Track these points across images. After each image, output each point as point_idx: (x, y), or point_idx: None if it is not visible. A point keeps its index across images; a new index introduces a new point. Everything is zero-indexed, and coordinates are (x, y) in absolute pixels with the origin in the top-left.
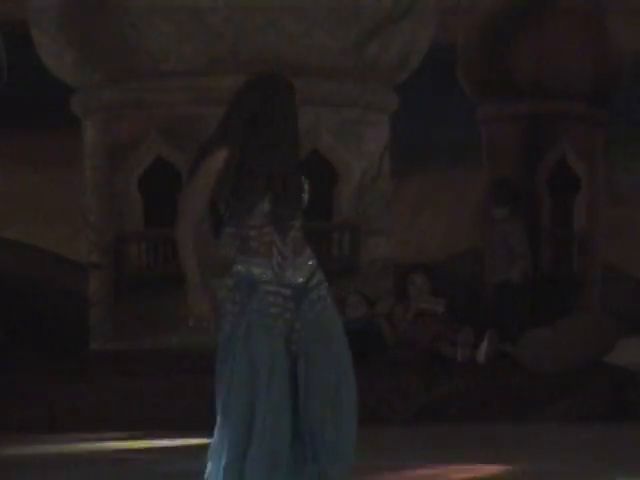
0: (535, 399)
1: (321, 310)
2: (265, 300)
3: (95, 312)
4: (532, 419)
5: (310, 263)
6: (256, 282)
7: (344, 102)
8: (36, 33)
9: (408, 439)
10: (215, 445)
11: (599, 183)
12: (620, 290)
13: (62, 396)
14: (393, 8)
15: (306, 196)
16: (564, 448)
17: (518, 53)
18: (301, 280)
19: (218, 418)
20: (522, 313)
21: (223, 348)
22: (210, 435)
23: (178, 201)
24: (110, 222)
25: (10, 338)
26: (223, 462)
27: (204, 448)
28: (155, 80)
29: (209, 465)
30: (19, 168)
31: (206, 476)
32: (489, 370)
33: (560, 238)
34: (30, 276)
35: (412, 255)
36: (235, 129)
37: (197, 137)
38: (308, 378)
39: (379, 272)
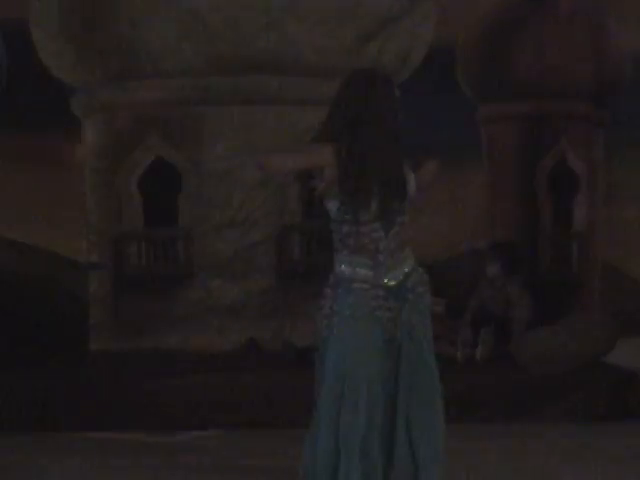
0: (535, 399)
1: (414, 312)
2: (363, 296)
3: (95, 312)
4: (532, 419)
5: (405, 269)
6: (352, 281)
7: None
8: (36, 33)
9: None
10: (309, 440)
11: (599, 183)
12: (620, 290)
13: (62, 396)
14: (393, 8)
15: (412, 190)
16: (564, 448)
17: (518, 53)
18: (393, 283)
19: (314, 415)
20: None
21: (320, 348)
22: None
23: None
24: (110, 222)
25: (10, 338)
26: (318, 459)
27: (203, 447)
28: (155, 80)
29: (304, 457)
30: (19, 168)
31: (301, 470)
32: (489, 370)
33: (560, 238)
34: (30, 276)
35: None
36: (339, 129)
37: (197, 137)
38: (406, 376)
39: None
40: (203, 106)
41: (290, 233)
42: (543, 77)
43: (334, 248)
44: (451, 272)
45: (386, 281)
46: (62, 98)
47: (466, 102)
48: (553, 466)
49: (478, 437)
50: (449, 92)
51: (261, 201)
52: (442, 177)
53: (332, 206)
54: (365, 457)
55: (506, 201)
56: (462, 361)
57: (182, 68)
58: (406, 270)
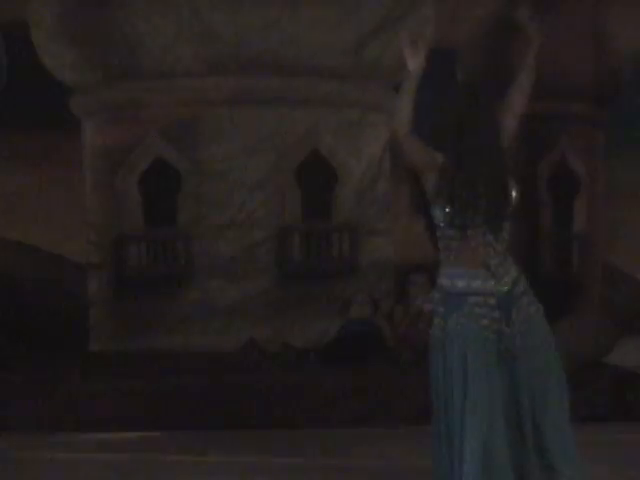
0: None
1: (529, 318)
2: (473, 313)
3: (95, 312)
4: None
5: (513, 273)
6: (462, 295)
7: (344, 102)
8: (36, 33)
9: (408, 439)
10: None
11: (599, 183)
12: (620, 290)
13: (62, 396)
14: (393, 9)
15: (515, 196)
16: None
17: (518, 53)
18: (506, 289)
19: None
20: None
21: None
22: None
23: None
24: (110, 222)
25: (10, 338)
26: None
27: (201, 446)
28: (155, 80)
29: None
30: (19, 168)
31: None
32: None
33: (560, 238)
34: (30, 276)
35: (412, 255)
36: (445, 138)
37: (197, 137)
38: (523, 382)
39: (379, 273)
40: (203, 106)
41: (290, 233)
42: (543, 77)
43: (440, 259)
44: None
45: (499, 288)
46: (62, 98)
47: None
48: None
49: None
50: (449, 92)
51: (261, 201)
52: None
53: (439, 211)
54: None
55: None
56: None
57: (182, 68)
58: (514, 275)
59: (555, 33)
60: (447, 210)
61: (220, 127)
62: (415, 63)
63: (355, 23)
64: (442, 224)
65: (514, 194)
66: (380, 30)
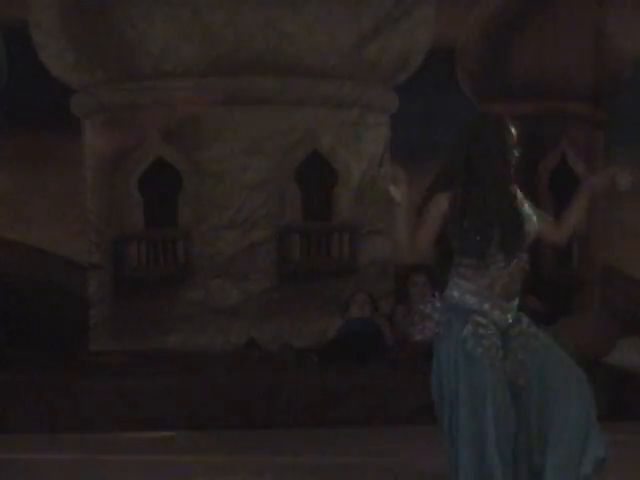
0: None
1: (531, 344)
2: (477, 331)
3: (95, 312)
4: None
5: (516, 311)
6: (469, 311)
7: (344, 103)
8: (36, 33)
9: (408, 439)
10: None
11: None
12: (620, 290)
13: (62, 396)
14: (393, 9)
15: (533, 229)
16: None
17: (518, 53)
18: (510, 322)
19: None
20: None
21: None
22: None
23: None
24: (110, 222)
25: (10, 338)
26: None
27: (201, 445)
28: (155, 81)
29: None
30: (19, 168)
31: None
32: None
33: None
34: (30, 276)
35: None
36: (453, 172)
37: (197, 137)
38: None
39: (379, 273)
40: (203, 106)
41: (290, 234)
42: (543, 77)
43: (451, 274)
44: None
45: (503, 318)
46: (62, 98)
47: (466, 102)
48: None
49: None
50: (449, 92)
51: (261, 202)
52: None
53: (455, 240)
54: None
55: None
56: None
57: (182, 68)
58: (514, 315)
59: (555, 33)
60: (460, 241)
61: (220, 127)
62: (400, 195)
63: (355, 23)
64: (458, 253)
65: (531, 227)
66: (380, 30)
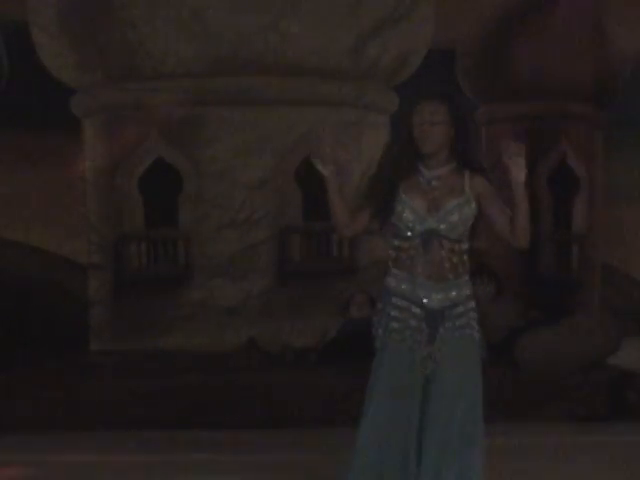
0: (535, 399)
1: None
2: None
3: (95, 312)
4: (532, 419)
5: (454, 293)
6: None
7: (344, 103)
8: (36, 33)
9: None
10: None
11: (599, 183)
12: (620, 290)
13: (62, 396)
14: (393, 9)
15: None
16: (564, 448)
17: (518, 53)
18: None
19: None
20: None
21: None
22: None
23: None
24: (110, 222)
25: (10, 338)
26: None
27: (201, 445)
28: (155, 81)
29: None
30: (19, 168)
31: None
32: (489, 370)
33: (560, 239)
34: (30, 276)
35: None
36: (382, 158)
37: (197, 137)
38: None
39: (379, 273)
40: (203, 106)
41: (290, 234)
42: (543, 77)
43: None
44: None
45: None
46: (62, 98)
47: (466, 102)
48: (553, 466)
49: None
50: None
51: (261, 202)
52: None
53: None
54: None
55: (506, 201)
56: None
57: (182, 69)
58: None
59: (555, 33)
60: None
61: (220, 127)
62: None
63: (355, 23)
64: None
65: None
66: (380, 30)
